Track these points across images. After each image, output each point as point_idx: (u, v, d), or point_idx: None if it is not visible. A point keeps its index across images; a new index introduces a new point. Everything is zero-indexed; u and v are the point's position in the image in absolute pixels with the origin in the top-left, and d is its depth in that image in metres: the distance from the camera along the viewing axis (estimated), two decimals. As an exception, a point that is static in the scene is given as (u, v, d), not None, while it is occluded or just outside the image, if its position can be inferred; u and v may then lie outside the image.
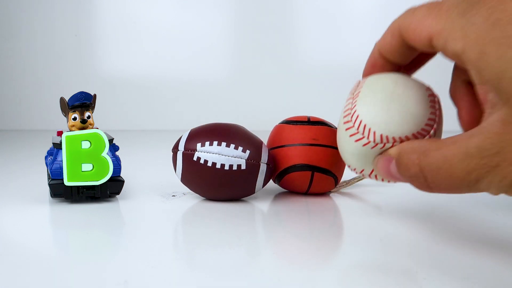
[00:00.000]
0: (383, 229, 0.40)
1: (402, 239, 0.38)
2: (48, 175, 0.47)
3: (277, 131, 0.50)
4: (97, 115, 0.48)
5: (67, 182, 0.44)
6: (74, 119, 0.45)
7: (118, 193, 0.47)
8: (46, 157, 0.50)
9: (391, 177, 0.32)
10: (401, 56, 0.34)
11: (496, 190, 0.27)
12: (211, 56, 1.27)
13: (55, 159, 0.45)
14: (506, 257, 0.33)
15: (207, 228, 0.40)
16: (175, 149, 0.47)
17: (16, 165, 0.71)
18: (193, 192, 0.49)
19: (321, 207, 0.47)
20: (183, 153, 0.45)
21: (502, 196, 0.26)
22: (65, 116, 0.46)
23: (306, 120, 0.49)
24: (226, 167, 0.44)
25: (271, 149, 0.49)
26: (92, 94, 0.47)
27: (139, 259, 0.33)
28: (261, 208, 0.46)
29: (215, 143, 0.44)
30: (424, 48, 0.31)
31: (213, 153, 0.44)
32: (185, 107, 1.26)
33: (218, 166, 0.44)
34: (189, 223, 0.43)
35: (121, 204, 0.47)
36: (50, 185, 0.45)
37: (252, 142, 0.46)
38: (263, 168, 0.45)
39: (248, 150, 0.44)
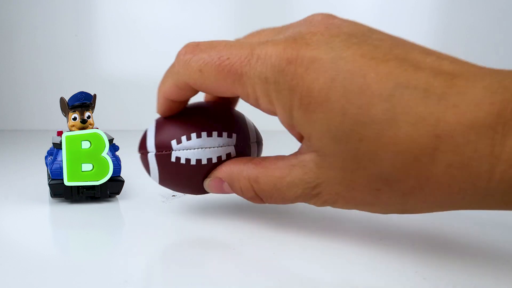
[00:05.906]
0: (383, 229, 0.40)
1: (402, 239, 0.38)
2: (48, 175, 0.47)
3: None
4: (97, 115, 0.48)
5: (67, 182, 0.44)
6: (74, 119, 0.45)
7: (118, 193, 0.47)
8: (46, 157, 0.50)
9: (226, 193, 0.37)
10: None
11: (320, 205, 0.33)
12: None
13: (55, 159, 0.45)
14: (505, 257, 0.33)
15: (208, 228, 0.40)
16: (143, 150, 0.39)
17: (16, 165, 0.71)
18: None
19: (321, 207, 0.46)
20: (156, 155, 0.37)
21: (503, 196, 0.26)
22: (65, 116, 0.46)
23: None
24: (214, 160, 0.36)
25: None
26: (92, 94, 0.47)
27: (139, 259, 0.33)
28: (262, 208, 0.46)
29: (193, 135, 0.35)
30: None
31: (195, 149, 0.35)
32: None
33: (204, 161, 0.35)
34: (189, 223, 0.43)
35: (121, 204, 0.47)
36: (50, 185, 0.45)
37: (235, 121, 0.38)
38: (254, 149, 0.38)
39: (234, 133, 0.37)
